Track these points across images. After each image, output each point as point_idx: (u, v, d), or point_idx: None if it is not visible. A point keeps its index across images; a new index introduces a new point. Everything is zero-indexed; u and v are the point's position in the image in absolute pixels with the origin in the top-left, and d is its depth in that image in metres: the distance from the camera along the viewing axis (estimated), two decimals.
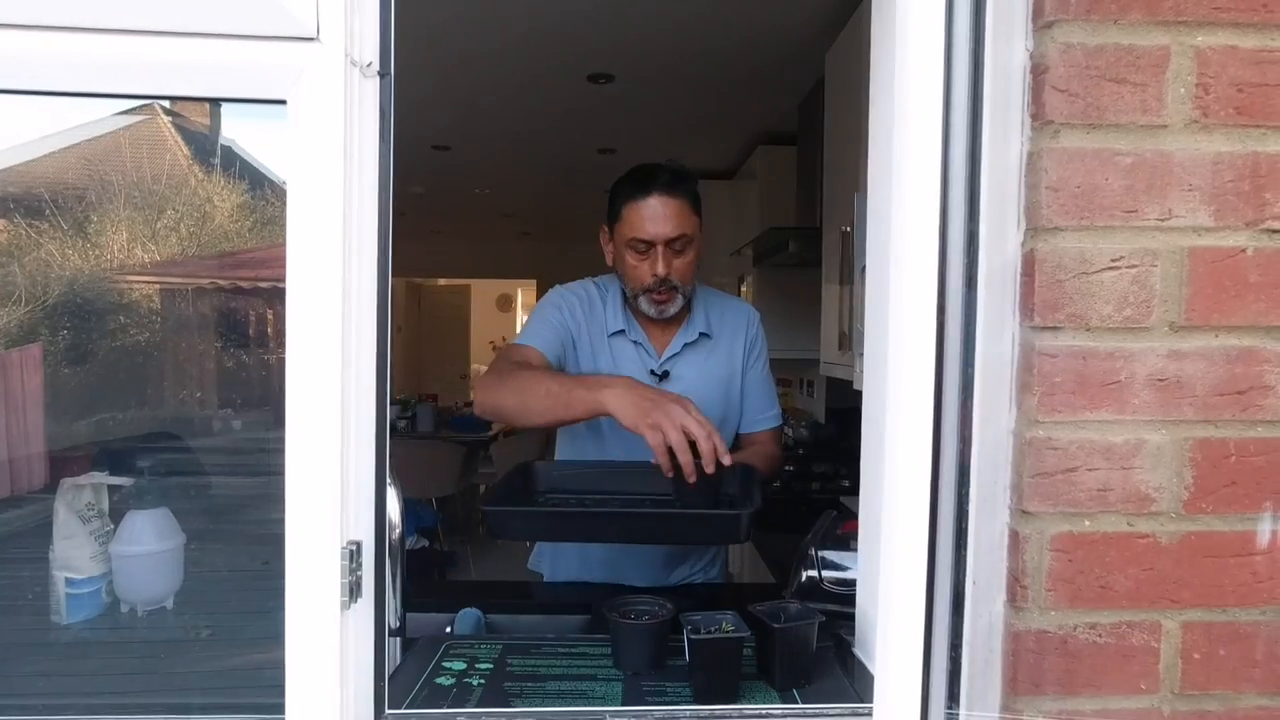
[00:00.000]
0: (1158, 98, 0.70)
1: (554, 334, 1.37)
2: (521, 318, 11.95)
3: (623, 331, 1.42)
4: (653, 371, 1.43)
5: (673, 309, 1.39)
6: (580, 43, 2.60)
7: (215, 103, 1.26)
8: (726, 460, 1.01)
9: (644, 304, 1.38)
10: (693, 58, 2.71)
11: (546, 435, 5.09)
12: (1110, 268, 0.71)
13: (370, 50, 0.69)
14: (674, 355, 1.44)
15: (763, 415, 1.55)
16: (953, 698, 0.70)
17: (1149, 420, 0.71)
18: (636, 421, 1.01)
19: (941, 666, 0.70)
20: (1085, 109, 0.70)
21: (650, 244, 1.32)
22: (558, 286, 1.48)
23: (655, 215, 1.31)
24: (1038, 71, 0.71)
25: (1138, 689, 0.72)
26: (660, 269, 1.33)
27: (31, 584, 1.15)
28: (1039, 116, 0.71)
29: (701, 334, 1.45)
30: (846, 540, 1.29)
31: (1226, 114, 0.70)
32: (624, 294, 1.44)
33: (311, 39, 0.66)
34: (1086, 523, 0.71)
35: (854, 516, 1.32)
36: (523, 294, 11.37)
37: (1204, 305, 0.71)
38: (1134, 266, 0.71)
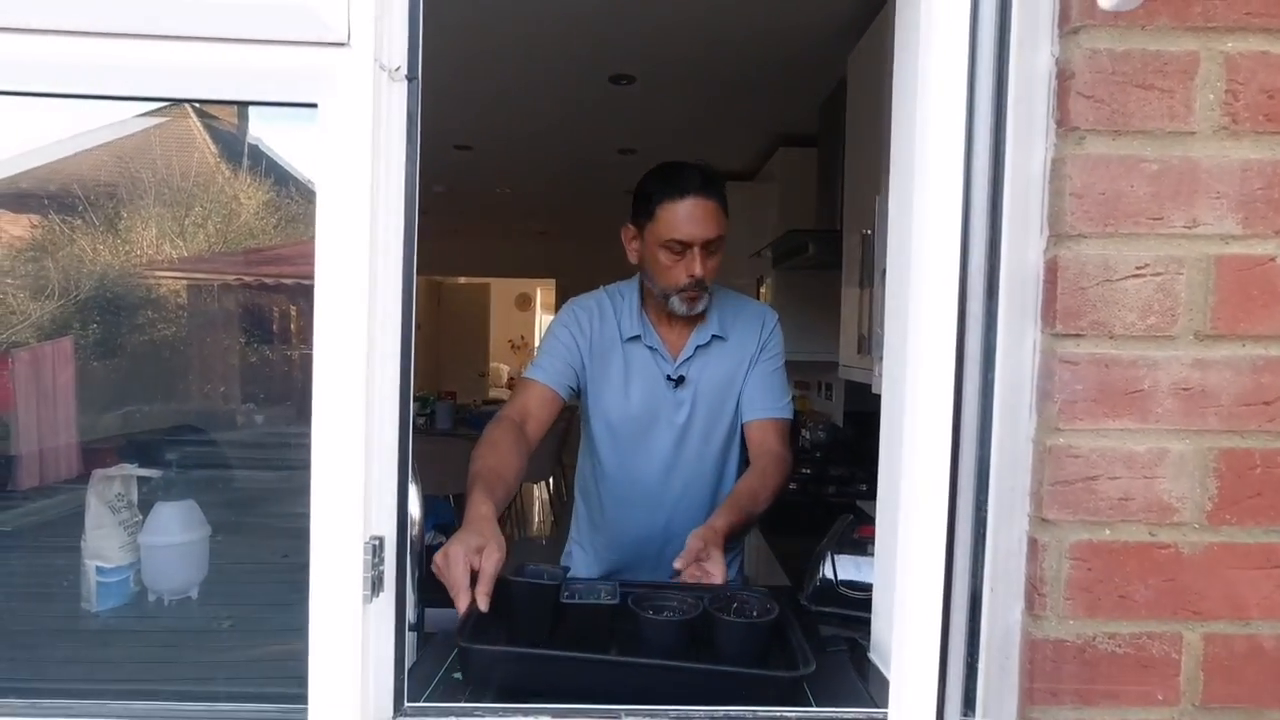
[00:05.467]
0: (1185, 104, 0.69)
1: (561, 362, 1.40)
2: (540, 316, 12.00)
3: (638, 337, 1.43)
4: (669, 377, 1.43)
5: (701, 305, 1.41)
6: (602, 44, 2.61)
7: (249, 106, 1.28)
8: (483, 603, 0.97)
9: (676, 303, 1.38)
10: (714, 59, 2.70)
11: (562, 438, 5.11)
12: (1134, 275, 0.70)
13: (399, 55, 0.71)
14: (688, 359, 1.44)
15: (763, 404, 1.48)
16: (968, 705, 0.70)
17: (1172, 429, 0.70)
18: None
19: (957, 674, 0.69)
20: (1111, 115, 0.69)
21: (687, 245, 1.33)
22: (570, 301, 1.49)
23: (693, 217, 1.31)
24: (1063, 77, 0.70)
25: (1157, 701, 0.71)
26: (697, 270, 1.34)
27: (65, 572, 1.18)
28: (1064, 123, 0.70)
29: (714, 336, 1.46)
30: (863, 545, 1.28)
31: (1256, 121, 0.70)
32: (641, 299, 1.45)
33: (342, 44, 0.67)
34: (1107, 532, 0.71)
35: (871, 521, 1.31)
36: (542, 293, 11.42)
37: (1231, 314, 0.70)
38: (1159, 274, 0.70)
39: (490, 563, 0.99)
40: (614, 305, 1.46)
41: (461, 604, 0.96)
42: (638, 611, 0.98)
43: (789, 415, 1.52)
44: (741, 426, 1.49)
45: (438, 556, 1.01)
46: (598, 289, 1.51)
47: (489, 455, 1.23)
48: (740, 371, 1.49)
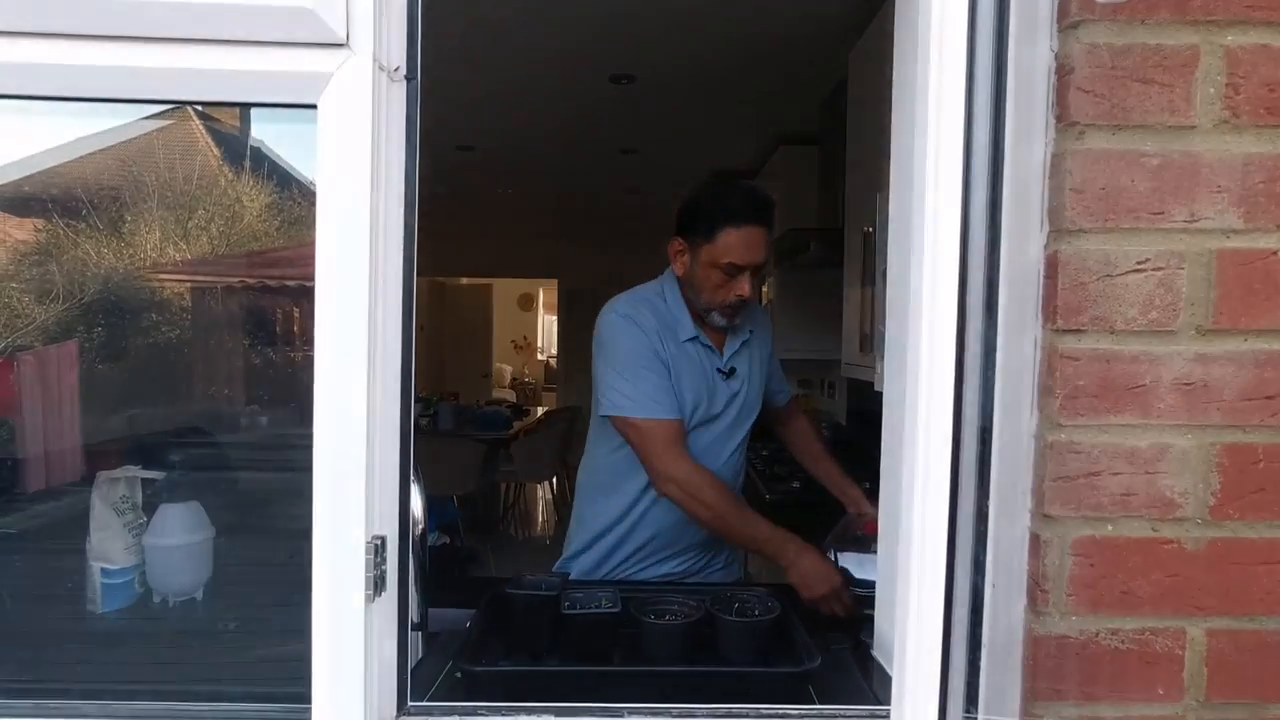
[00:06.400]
0: (1186, 98, 0.69)
1: (658, 378, 1.41)
2: (542, 317, 11.99)
3: (696, 337, 1.48)
4: (719, 369, 1.50)
5: (739, 319, 1.48)
6: (603, 43, 2.61)
7: (248, 108, 1.28)
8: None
9: (716, 317, 1.45)
10: (715, 58, 2.71)
11: (564, 438, 5.11)
12: (1135, 270, 0.70)
13: (398, 55, 0.71)
14: (735, 354, 1.52)
15: (784, 390, 1.74)
16: (971, 701, 0.70)
17: (1174, 425, 0.70)
18: (814, 599, 1.26)
19: (960, 670, 0.69)
20: (1111, 110, 0.69)
21: (741, 269, 1.39)
22: (622, 312, 1.46)
23: (752, 243, 1.38)
24: (1062, 72, 0.70)
25: (1162, 697, 0.71)
26: (745, 291, 1.40)
27: (69, 574, 1.18)
28: (1063, 118, 0.70)
29: (751, 331, 1.55)
30: (867, 542, 1.28)
31: (1258, 114, 0.69)
32: (701, 309, 1.48)
33: (341, 45, 0.67)
34: (1109, 527, 0.71)
35: (875, 518, 1.32)
36: (544, 293, 11.43)
37: (1233, 308, 0.70)
38: (1160, 269, 0.70)
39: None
40: (658, 307, 1.48)
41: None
42: (640, 617, 0.99)
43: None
44: (773, 409, 1.70)
45: (834, 605, 1.25)
46: (637, 290, 1.52)
47: (721, 503, 1.36)
48: (763, 364, 1.60)
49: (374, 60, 0.68)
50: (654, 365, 1.41)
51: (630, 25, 2.45)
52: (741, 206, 1.38)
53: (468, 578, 3.89)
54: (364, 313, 0.69)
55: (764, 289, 3.70)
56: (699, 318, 1.47)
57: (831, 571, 1.26)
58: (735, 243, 1.37)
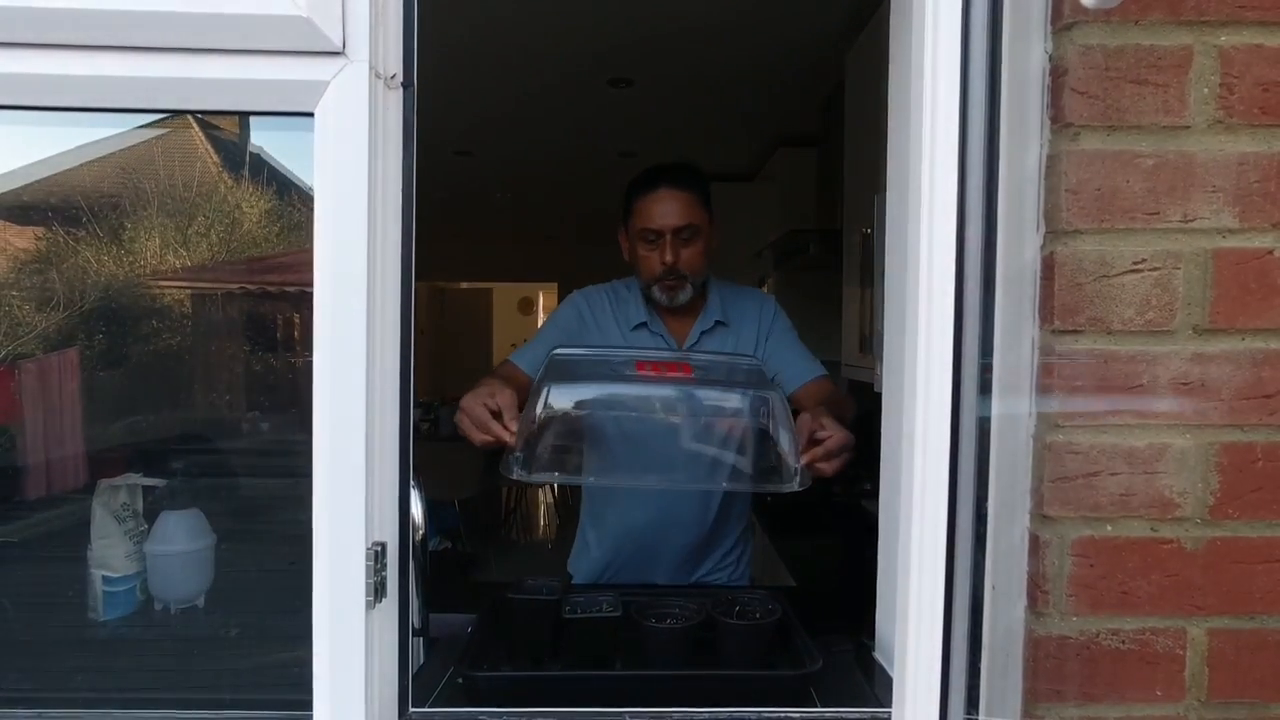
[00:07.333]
0: (1180, 98, 0.69)
1: (543, 349, 1.40)
2: (542, 321, 12.01)
3: (644, 324, 1.48)
4: None
5: (683, 296, 1.44)
6: (600, 47, 2.62)
7: (245, 116, 1.28)
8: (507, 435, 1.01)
9: (656, 292, 1.44)
10: (712, 60, 2.71)
11: None
12: (1132, 270, 0.70)
13: (394, 62, 0.71)
14: (693, 345, 1.49)
15: (798, 371, 1.50)
16: (972, 703, 0.70)
17: (1173, 424, 0.70)
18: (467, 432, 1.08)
19: (961, 671, 0.69)
20: (1105, 111, 0.69)
21: (659, 234, 1.39)
22: (578, 295, 1.56)
23: (663, 208, 1.39)
24: (1057, 74, 0.70)
25: (1163, 697, 0.71)
26: (668, 257, 1.39)
27: (71, 582, 1.19)
28: (1058, 119, 0.70)
29: (717, 322, 1.51)
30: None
31: (1252, 114, 0.69)
32: (642, 289, 1.49)
33: (338, 53, 0.68)
34: (1108, 528, 0.71)
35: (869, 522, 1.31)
36: (544, 297, 11.43)
37: (1229, 308, 0.70)
38: (1156, 269, 0.70)
39: (504, 397, 1.03)
40: (620, 296, 1.53)
41: (495, 433, 1.01)
42: (641, 621, 0.99)
43: (826, 374, 1.52)
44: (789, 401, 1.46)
45: (457, 416, 1.07)
46: (611, 282, 1.57)
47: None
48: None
49: (370, 68, 0.68)
50: (548, 328, 1.51)
51: (628, 29, 2.45)
52: (646, 174, 1.43)
53: (469, 582, 3.89)
54: (362, 318, 0.69)
55: (763, 290, 3.70)
56: (665, 308, 1.47)
57: (467, 404, 1.06)
58: (646, 208, 1.40)
